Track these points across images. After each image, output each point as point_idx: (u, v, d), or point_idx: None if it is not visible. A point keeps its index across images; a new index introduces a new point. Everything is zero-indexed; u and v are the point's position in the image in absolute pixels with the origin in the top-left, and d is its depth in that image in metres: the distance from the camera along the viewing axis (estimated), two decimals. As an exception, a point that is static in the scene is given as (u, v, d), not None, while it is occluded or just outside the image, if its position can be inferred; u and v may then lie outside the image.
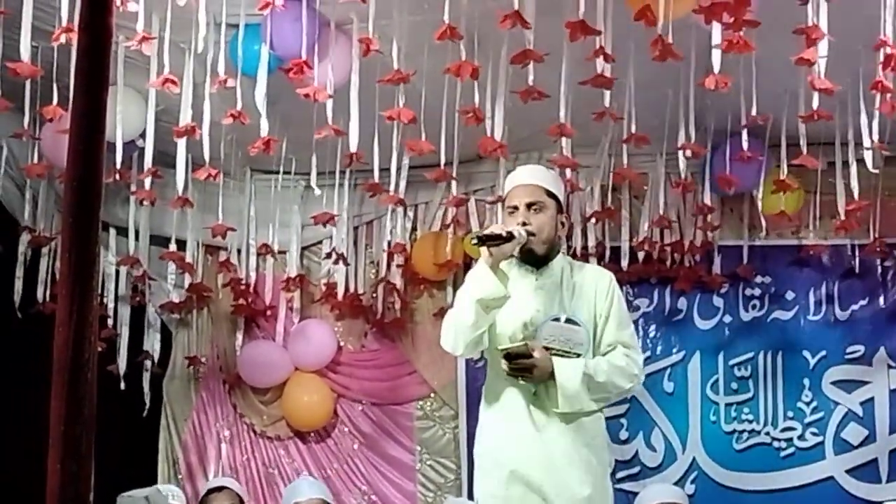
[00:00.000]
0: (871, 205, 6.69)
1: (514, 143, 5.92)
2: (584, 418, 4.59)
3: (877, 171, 6.00)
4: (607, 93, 5.46)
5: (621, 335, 4.67)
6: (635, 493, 7.10)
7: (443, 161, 5.90)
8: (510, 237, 4.45)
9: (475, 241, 4.51)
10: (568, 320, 4.58)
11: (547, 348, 4.53)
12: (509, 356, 4.50)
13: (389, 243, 7.40)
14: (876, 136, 5.50)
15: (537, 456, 4.53)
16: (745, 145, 6.05)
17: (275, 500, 7.46)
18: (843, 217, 6.49)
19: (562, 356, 4.53)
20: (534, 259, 4.64)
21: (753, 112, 5.64)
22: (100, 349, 6.41)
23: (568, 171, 6.40)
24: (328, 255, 7.28)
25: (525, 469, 4.53)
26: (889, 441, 7.15)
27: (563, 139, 5.90)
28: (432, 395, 7.65)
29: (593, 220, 7.02)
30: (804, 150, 6.01)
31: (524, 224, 4.54)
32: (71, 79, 3.27)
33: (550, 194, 4.66)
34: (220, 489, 6.90)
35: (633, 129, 5.93)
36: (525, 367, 4.49)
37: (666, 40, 4.77)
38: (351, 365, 7.72)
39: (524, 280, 4.63)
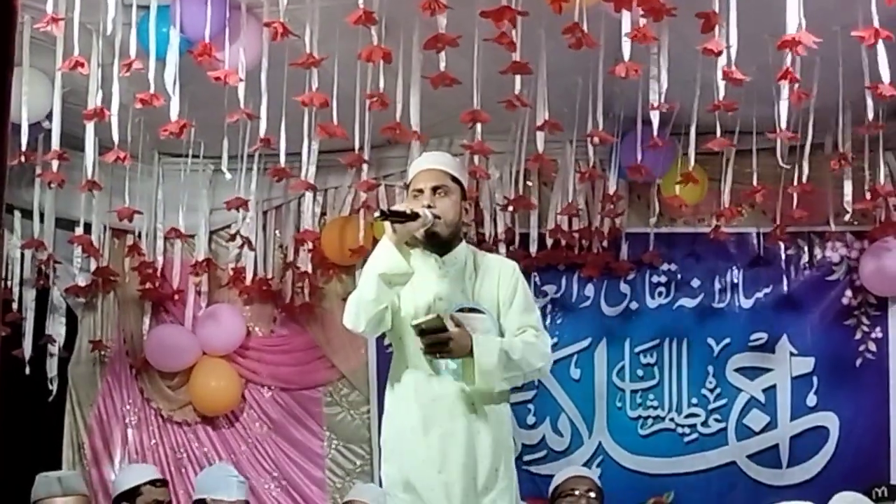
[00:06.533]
0: (770, 192, 6.77)
1: (424, 129, 5.92)
2: (488, 406, 4.58)
3: (788, 166, 6.03)
4: (519, 79, 5.47)
5: (529, 319, 4.64)
6: (542, 475, 7.14)
7: (357, 146, 5.88)
8: (415, 216, 4.42)
9: (379, 215, 4.47)
10: (472, 309, 4.57)
11: None
12: (423, 331, 4.37)
13: (298, 228, 7.38)
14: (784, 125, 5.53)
15: (440, 443, 4.52)
16: (653, 132, 6.02)
17: (183, 485, 7.43)
18: (748, 205, 6.48)
19: None
20: (438, 243, 4.60)
21: (661, 100, 5.64)
22: (4, 333, 6.41)
23: (476, 159, 6.41)
24: (232, 238, 7.25)
25: (427, 456, 4.52)
26: (790, 427, 7.25)
27: (476, 125, 5.90)
28: (342, 380, 7.65)
29: (509, 207, 7.00)
30: (718, 136, 5.96)
31: (429, 206, 4.53)
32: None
33: (455, 179, 4.65)
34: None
35: (547, 117, 5.92)
36: (441, 342, 4.39)
37: (582, 28, 4.79)
38: (260, 350, 7.69)
39: (428, 268, 4.59)
